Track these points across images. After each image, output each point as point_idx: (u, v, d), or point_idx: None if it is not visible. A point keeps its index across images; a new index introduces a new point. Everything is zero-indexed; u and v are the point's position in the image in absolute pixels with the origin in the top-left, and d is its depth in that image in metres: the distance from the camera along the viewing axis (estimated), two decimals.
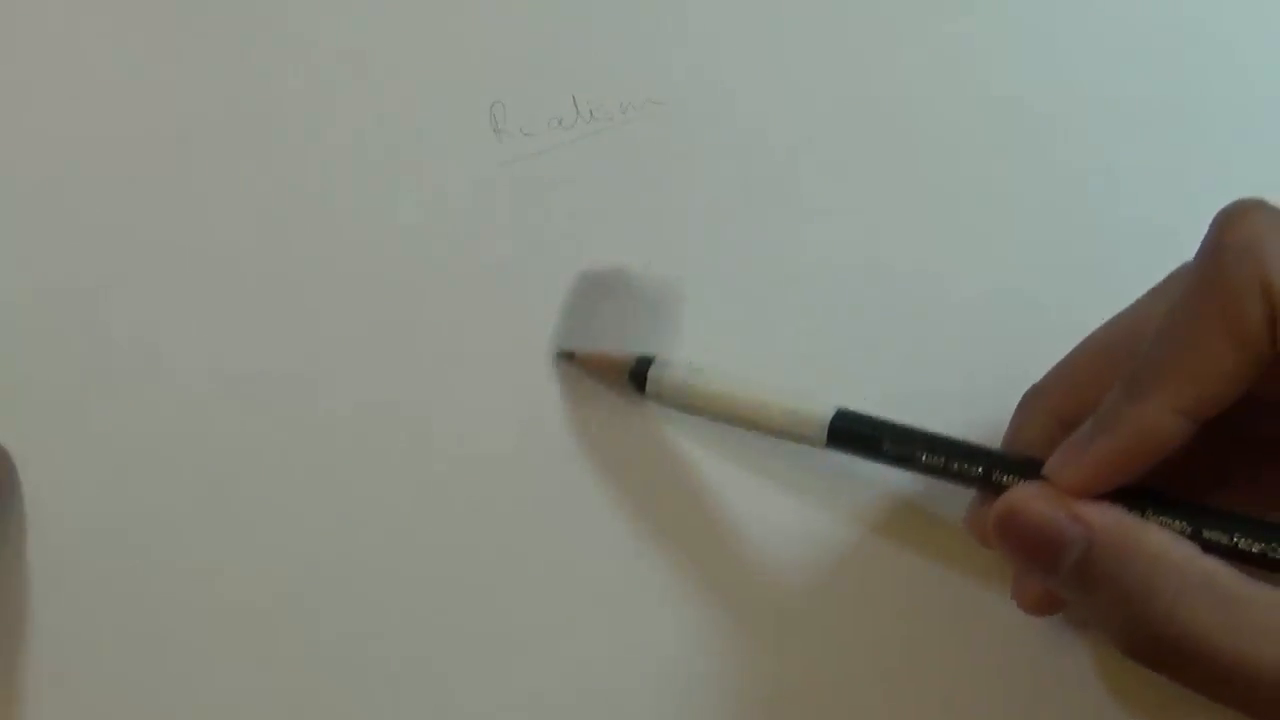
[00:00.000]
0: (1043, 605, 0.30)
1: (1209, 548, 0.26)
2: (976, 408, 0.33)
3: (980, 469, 0.29)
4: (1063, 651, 0.33)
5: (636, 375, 0.33)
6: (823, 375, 0.34)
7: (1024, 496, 0.27)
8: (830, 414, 0.31)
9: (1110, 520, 0.26)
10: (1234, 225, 0.26)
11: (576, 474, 0.34)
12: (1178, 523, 0.27)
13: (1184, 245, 0.27)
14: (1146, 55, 0.36)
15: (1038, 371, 0.31)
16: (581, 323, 0.35)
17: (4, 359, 0.34)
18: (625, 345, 0.34)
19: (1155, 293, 0.29)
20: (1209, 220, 0.27)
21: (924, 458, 0.30)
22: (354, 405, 0.34)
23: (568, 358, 0.34)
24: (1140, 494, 0.27)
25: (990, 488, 0.29)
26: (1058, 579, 0.26)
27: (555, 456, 0.34)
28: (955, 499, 0.31)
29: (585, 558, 0.33)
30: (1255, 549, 0.26)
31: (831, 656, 0.33)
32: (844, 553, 0.33)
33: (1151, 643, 0.25)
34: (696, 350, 0.34)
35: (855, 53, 0.36)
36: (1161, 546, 0.26)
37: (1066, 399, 0.30)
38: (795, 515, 0.33)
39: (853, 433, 0.31)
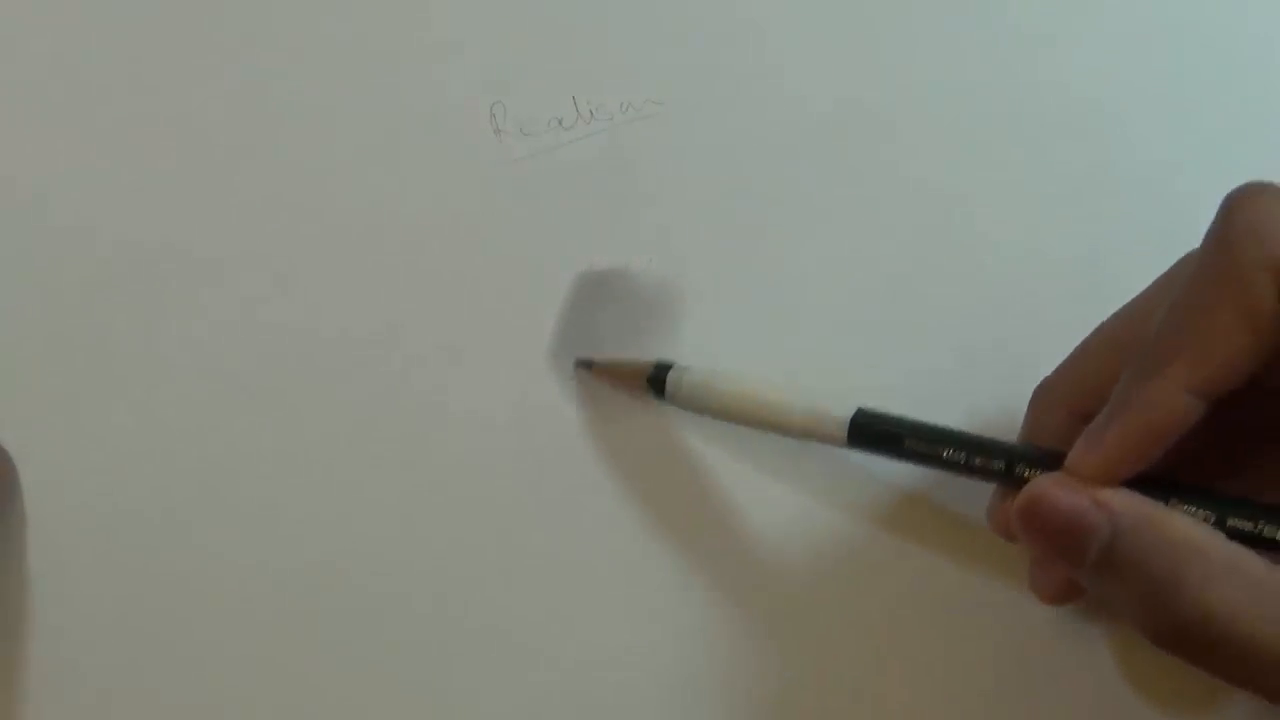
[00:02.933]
0: (1060, 594, 0.30)
1: (1232, 535, 0.26)
2: (981, 404, 0.33)
3: (1003, 464, 0.29)
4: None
5: (655, 380, 0.33)
6: (822, 374, 0.34)
7: (1046, 486, 0.27)
8: (851, 413, 0.31)
9: (1134, 505, 0.26)
10: (1242, 207, 0.26)
11: (578, 470, 0.34)
12: (1201, 511, 0.27)
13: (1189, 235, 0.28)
14: (1161, 47, 0.37)
15: (1044, 366, 0.31)
16: (582, 323, 0.35)
17: (4, 359, 0.34)
18: (627, 344, 0.34)
19: (1161, 282, 0.29)
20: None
21: (946, 454, 0.30)
22: (354, 404, 0.34)
23: (586, 366, 0.34)
24: (1163, 483, 0.27)
25: (1013, 482, 0.29)
26: (1083, 568, 0.26)
27: (554, 454, 0.34)
28: (975, 497, 0.32)
29: (595, 559, 0.33)
30: None
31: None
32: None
33: (1177, 629, 0.25)
34: (696, 350, 0.34)
35: (854, 52, 0.36)
36: (1187, 531, 0.26)
37: (1079, 391, 0.30)
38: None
39: (874, 431, 0.31)
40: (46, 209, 0.35)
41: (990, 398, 0.33)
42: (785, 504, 0.33)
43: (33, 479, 0.33)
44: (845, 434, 0.31)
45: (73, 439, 0.33)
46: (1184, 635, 0.25)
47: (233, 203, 0.35)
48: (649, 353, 0.34)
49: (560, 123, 0.35)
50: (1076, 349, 0.31)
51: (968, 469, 0.29)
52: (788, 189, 0.35)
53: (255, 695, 0.33)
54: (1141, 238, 0.30)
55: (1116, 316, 0.30)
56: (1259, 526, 0.26)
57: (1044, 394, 0.31)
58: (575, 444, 0.34)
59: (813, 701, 0.33)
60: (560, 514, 0.34)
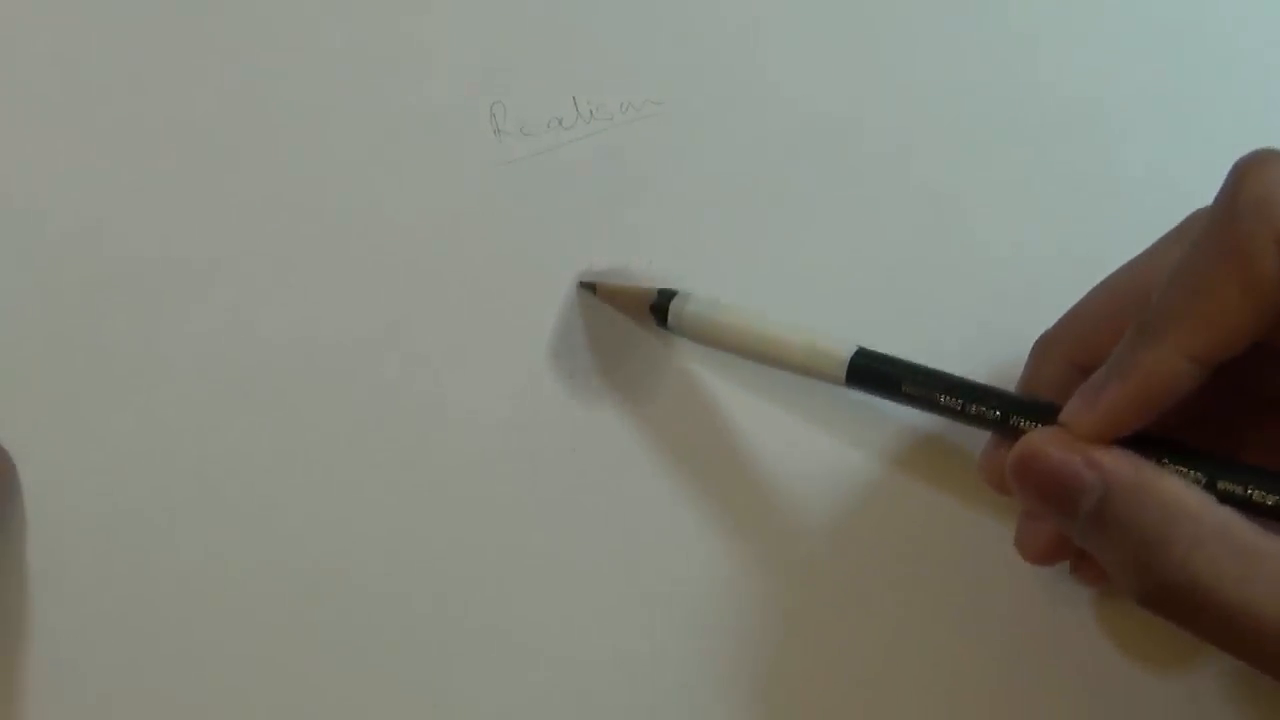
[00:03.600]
0: (1045, 554, 0.31)
1: (1224, 498, 0.26)
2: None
3: (997, 412, 0.29)
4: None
5: (658, 307, 0.33)
6: None
7: (1041, 441, 0.27)
8: (851, 352, 0.31)
9: (1126, 466, 0.26)
10: (1251, 176, 0.26)
11: (578, 470, 0.34)
12: (1193, 472, 0.27)
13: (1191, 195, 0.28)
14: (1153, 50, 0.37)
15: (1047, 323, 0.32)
16: (582, 323, 0.35)
17: (4, 359, 0.34)
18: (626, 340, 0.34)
19: (1168, 239, 0.30)
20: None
21: (942, 399, 0.30)
22: (353, 405, 0.34)
23: (590, 289, 0.34)
24: (1157, 443, 0.27)
25: (1007, 431, 0.29)
26: (1074, 524, 0.27)
27: (554, 454, 0.34)
28: (971, 439, 0.32)
29: (595, 558, 0.33)
30: (1270, 501, 0.26)
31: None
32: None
33: (1163, 590, 0.25)
34: (696, 348, 0.34)
35: (854, 53, 0.36)
36: (1177, 494, 0.26)
37: (1080, 344, 0.30)
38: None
39: (872, 372, 0.31)
40: (46, 210, 0.35)
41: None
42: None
43: (33, 479, 0.33)
44: (844, 373, 0.31)
45: (73, 439, 0.33)
46: (1169, 597, 0.25)
47: (232, 203, 0.35)
48: (648, 348, 0.34)
49: (560, 123, 0.35)
50: (1079, 302, 0.31)
51: (964, 415, 0.30)
52: (788, 189, 0.35)
53: (255, 695, 0.33)
54: (1140, 239, 0.30)
55: (1121, 271, 0.30)
56: (1249, 490, 0.26)
57: (1045, 345, 0.31)
58: (575, 443, 0.34)
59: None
60: (560, 514, 0.34)
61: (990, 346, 0.34)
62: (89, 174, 0.35)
